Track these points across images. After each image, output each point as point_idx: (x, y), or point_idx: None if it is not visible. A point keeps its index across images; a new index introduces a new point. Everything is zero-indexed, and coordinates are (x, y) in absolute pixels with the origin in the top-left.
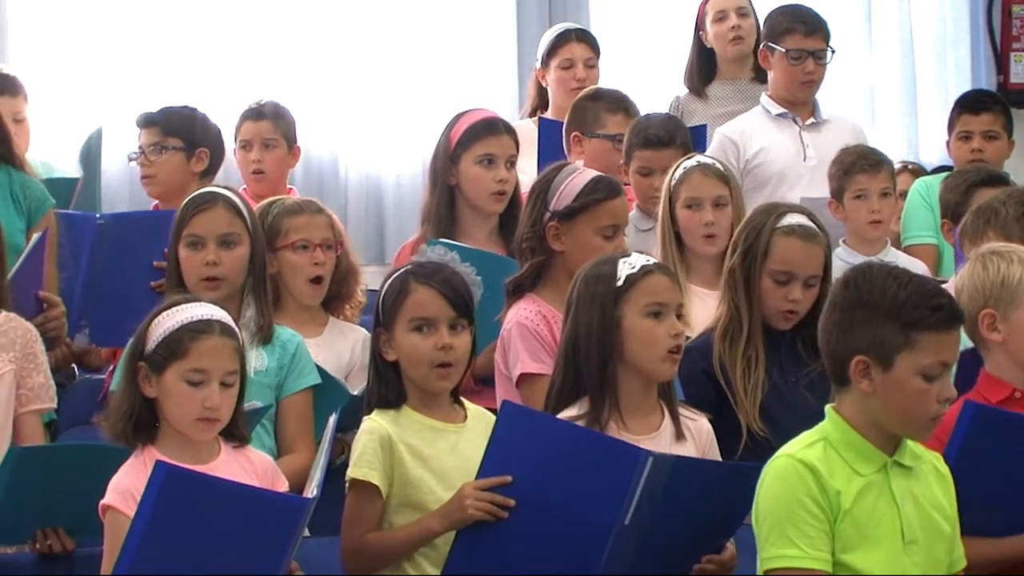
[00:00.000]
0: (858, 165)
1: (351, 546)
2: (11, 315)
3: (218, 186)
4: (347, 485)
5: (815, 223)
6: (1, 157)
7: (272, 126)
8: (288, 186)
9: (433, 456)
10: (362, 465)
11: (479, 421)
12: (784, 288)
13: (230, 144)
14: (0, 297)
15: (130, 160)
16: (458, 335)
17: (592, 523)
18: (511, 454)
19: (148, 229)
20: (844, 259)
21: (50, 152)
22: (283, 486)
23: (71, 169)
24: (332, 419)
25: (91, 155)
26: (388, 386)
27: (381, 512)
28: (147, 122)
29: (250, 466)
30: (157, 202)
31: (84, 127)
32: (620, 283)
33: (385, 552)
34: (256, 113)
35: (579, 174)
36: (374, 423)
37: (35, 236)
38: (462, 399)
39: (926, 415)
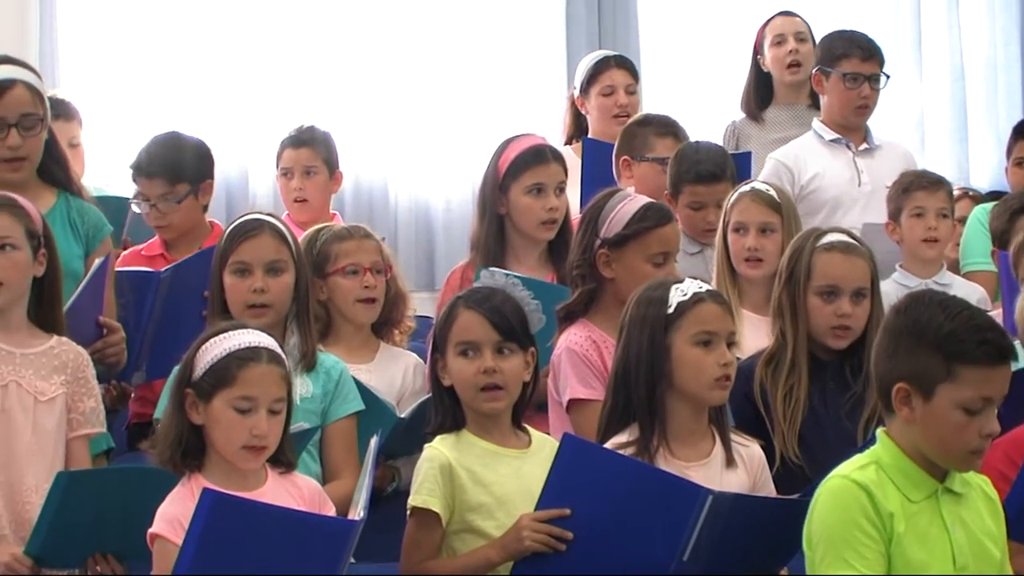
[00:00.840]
0: (917, 183)
1: (410, 573)
2: (63, 339)
3: (263, 213)
4: (408, 512)
5: (856, 240)
6: (59, 183)
7: (312, 153)
8: (332, 212)
9: (495, 482)
10: (423, 492)
11: (543, 447)
12: (832, 304)
13: (271, 171)
14: (55, 322)
15: (132, 204)
16: (506, 359)
17: (650, 559)
18: (571, 487)
19: (201, 265)
20: (900, 282)
21: (100, 178)
22: (330, 511)
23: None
24: (374, 441)
25: None
26: (446, 411)
27: (440, 539)
28: (150, 172)
29: (296, 492)
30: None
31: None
32: (671, 310)
33: None
34: (296, 141)
35: (629, 201)
36: (434, 450)
37: (97, 261)
38: (525, 425)
39: (965, 448)
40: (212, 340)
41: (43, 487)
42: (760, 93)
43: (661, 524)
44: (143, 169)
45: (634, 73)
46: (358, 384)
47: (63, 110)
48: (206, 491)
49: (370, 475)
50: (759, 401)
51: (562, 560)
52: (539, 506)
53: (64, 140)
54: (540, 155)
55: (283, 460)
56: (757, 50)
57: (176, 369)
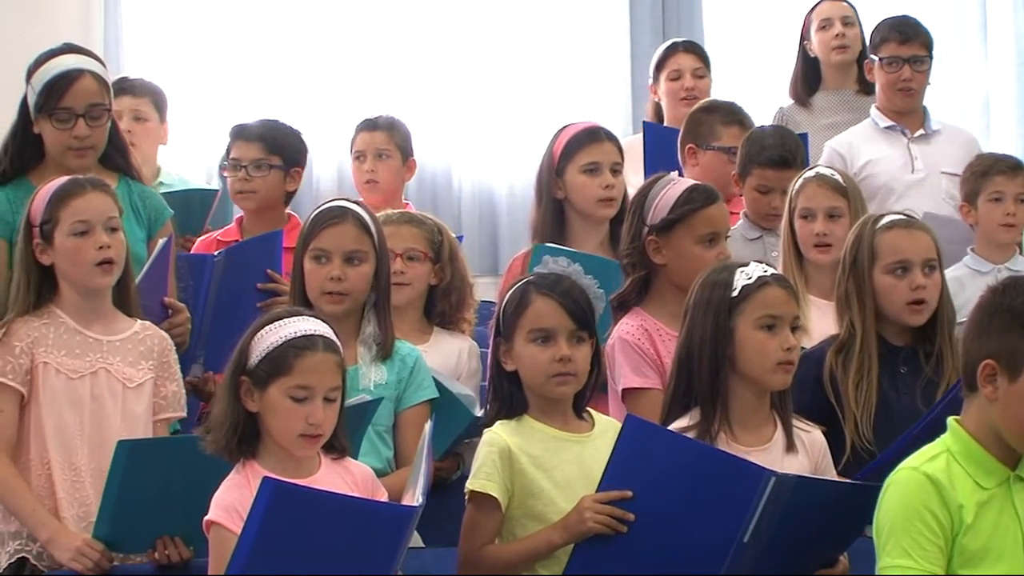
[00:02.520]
0: (996, 167)
1: (469, 558)
2: (146, 323)
3: (348, 200)
4: (466, 497)
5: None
6: (120, 169)
7: (386, 137)
8: (404, 200)
9: (556, 467)
10: (481, 477)
11: (607, 431)
12: (905, 279)
13: (335, 157)
14: (131, 305)
15: (222, 170)
16: (578, 347)
17: (711, 540)
18: (633, 468)
19: (257, 251)
20: (971, 267)
21: (182, 167)
22: (383, 497)
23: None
24: (428, 426)
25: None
26: (508, 396)
27: (499, 524)
28: (249, 136)
29: (350, 477)
30: (241, 215)
31: (210, 141)
32: (735, 293)
33: (503, 564)
34: (371, 124)
35: (673, 185)
36: (494, 435)
37: (160, 242)
38: (589, 409)
39: None
40: (267, 327)
41: None
42: (808, 79)
43: (722, 506)
44: (243, 133)
45: (703, 57)
46: (441, 384)
47: (126, 86)
48: (266, 480)
49: (426, 460)
50: (829, 388)
51: (623, 542)
52: (601, 488)
53: (129, 112)
54: (594, 135)
55: (337, 446)
56: (804, 36)
57: (232, 357)
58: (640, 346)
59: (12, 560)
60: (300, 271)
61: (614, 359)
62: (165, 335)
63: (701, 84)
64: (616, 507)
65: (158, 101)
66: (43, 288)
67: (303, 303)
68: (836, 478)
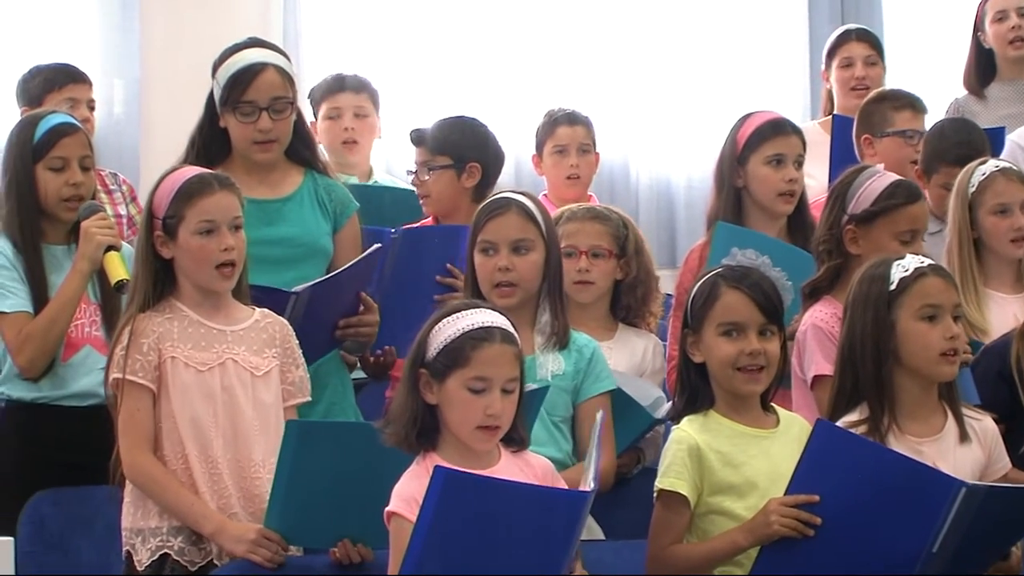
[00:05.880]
0: None
1: (657, 556)
2: (265, 311)
3: (514, 191)
4: (655, 495)
5: None
6: (305, 161)
7: (586, 131)
8: (589, 193)
9: (745, 463)
10: (670, 475)
11: (791, 426)
12: None
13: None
14: (244, 293)
15: (407, 176)
16: (768, 340)
17: (899, 548)
18: (821, 473)
19: (440, 243)
20: None
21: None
22: None
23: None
24: (599, 416)
25: None
26: (695, 389)
27: (688, 522)
28: (416, 140)
29: (530, 470)
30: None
31: (389, 139)
32: (893, 287)
33: (689, 565)
34: (572, 118)
35: (879, 178)
36: (683, 433)
37: (373, 248)
38: (773, 404)
39: None
40: (445, 320)
41: (269, 461)
42: (981, 69)
43: (912, 514)
44: (413, 137)
45: (875, 45)
46: (616, 388)
47: (343, 83)
48: (438, 468)
49: (597, 447)
50: (1016, 377)
51: (809, 546)
52: (789, 491)
53: (350, 109)
54: (780, 127)
55: (516, 438)
56: (978, 27)
57: (411, 349)
58: (833, 334)
59: (154, 557)
60: (472, 265)
61: (805, 345)
62: (285, 322)
63: (872, 72)
64: (803, 511)
65: (374, 97)
66: (163, 281)
67: (476, 297)
68: (1008, 467)
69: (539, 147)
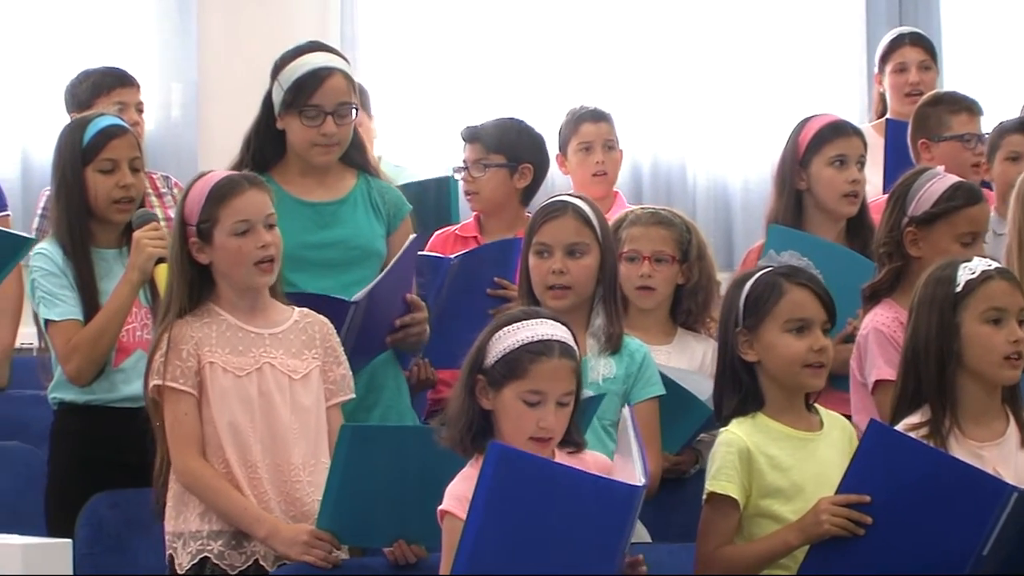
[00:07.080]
0: None
1: (706, 558)
2: (305, 311)
3: (571, 194)
4: (704, 497)
5: None
6: (358, 165)
7: (610, 128)
8: (614, 190)
9: (793, 466)
10: (720, 478)
11: (834, 426)
12: None
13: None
14: (280, 293)
15: (455, 173)
16: (828, 338)
17: (949, 550)
18: (873, 473)
19: (493, 257)
20: None
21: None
22: None
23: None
24: (626, 410)
25: None
26: (746, 390)
27: (737, 525)
28: (471, 137)
29: (584, 468)
30: (476, 214)
31: (442, 138)
32: (959, 289)
33: (740, 566)
34: (595, 115)
35: (939, 179)
36: (732, 435)
37: (410, 238)
38: (815, 405)
39: None
40: (506, 328)
41: (310, 464)
42: None
43: (963, 517)
44: (466, 134)
45: (930, 50)
46: (671, 382)
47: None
48: (493, 444)
49: (635, 441)
50: None
51: (859, 546)
52: (839, 490)
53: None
54: (841, 128)
55: (571, 441)
56: None
57: (469, 353)
58: (895, 338)
59: (195, 561)
60: (526, 267)
61: (867, 349)
62: (326, 320)
63: (927, 77)
64: (854, 510)
65: (364, 99)
66: (201, 287)
67: (530, 298)
68: None
69: (563, 146)
